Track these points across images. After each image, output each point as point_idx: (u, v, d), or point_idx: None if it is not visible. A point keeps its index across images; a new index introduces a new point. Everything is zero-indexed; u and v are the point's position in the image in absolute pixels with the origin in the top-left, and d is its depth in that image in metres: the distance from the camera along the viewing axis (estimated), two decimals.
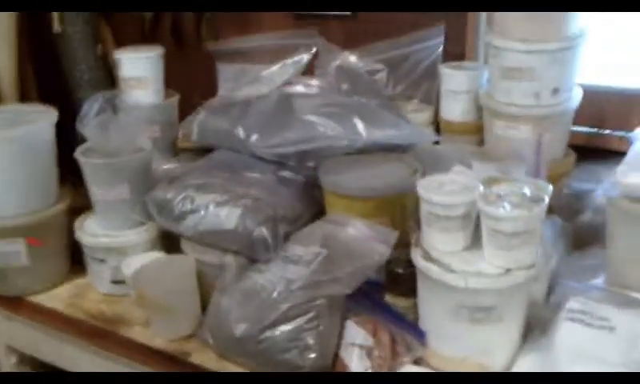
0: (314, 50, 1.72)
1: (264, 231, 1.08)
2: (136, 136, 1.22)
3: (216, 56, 1.90)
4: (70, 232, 1.30)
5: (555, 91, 1.28)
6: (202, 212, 1.14)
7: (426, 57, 1.49)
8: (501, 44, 1.27)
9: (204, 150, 1.48)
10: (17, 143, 1.18)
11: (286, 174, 1.19)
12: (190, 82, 1.65)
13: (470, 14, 1.48)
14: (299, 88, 1.61)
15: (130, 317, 1.20)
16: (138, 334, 1.17)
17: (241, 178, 1.20)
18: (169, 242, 1.26)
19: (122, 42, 2.12)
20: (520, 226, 0.90)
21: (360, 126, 1.19)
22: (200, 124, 1.37)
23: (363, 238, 1.03)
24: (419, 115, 1.48)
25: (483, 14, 1.48)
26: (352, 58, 1.56)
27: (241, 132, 1.22)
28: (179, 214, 1.17)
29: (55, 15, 1.94)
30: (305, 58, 1.74)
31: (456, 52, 1.51)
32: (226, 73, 1.91)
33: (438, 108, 1.51)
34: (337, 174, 1.11)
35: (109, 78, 2.11)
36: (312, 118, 1.18)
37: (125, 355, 1.15)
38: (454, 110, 1.45)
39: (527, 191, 0.94)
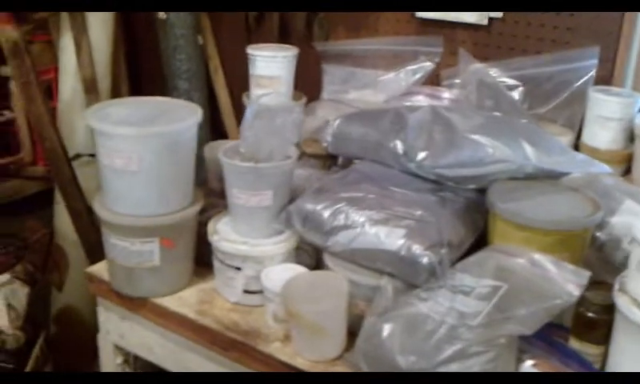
0: (438, 59, 1.66)
1: (431, 257, 1.01)
2: (285, 141, 1.14)
3: (324, 56, 1.83)
4: (199, 234, 1.24)
5: None
6: (358, 229, 1.07)
7: (575, 79, 1.41)
8: None
9: (331, 157, 1.42)
10: (166, 140, 1.11)
11: (447, 194, 1.11)
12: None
13: (624, 35, 1.40)
14: (429, 100, 1.54)
15: (267, 331, 1.14)
16: (277, 350, 1.10)
17: (395, 195, 1.12)
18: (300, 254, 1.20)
19: (222, 35, 2.07)
20: None
21: (528, 149, 1.11)
22: (338, 133, 1.30)
23: (547, 274, 0.95)
24: (559, 140, 1.39)
25: (637, 36, 1.39)
26: (493, 72, 1.47)
27: (399, 147, 1.15)
28: (330, 229, 1.10)
29: None
30: (427, 66, 1.67)
31: (601, 75, 1.43)
32: (332, 74, 1.84)
33: (579, 133, 1.44)
34: (513, 202, 1.03)
35: (205, 70, 2.07)
36: (479, 138, 1.11)
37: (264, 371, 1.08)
38: (602, 137, 1.37)
39: None
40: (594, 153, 1.38)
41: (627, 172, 1.38)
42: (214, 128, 2.09)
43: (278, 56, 1.38)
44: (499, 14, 1.55)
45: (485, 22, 1.56)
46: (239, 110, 2.05)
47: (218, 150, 1.21)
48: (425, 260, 1.01)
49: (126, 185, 1.13)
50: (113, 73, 2.03)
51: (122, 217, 1.15)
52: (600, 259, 1.09)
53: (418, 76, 1.67)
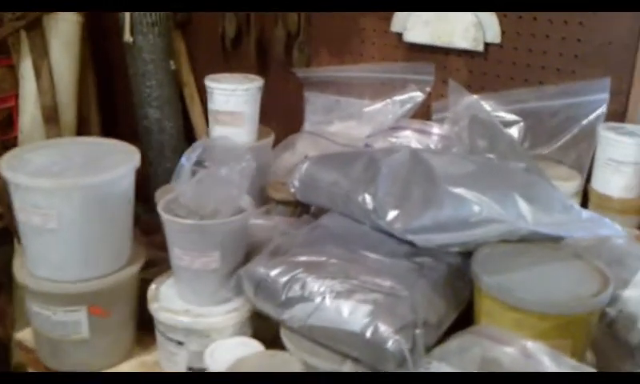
0: (429, 88, 1.48)
1: (401, 342, 0.82)
2: (237, 192, 0.96)
3: (306, 83, 1.66)
4: (141, 298, 1.06)
5: None
6: (317, 301, 0.89)
7: (583, 114, 1.22)
8: None
9: (301, 205, 1.24)
10: (91, 193, 0.94)
11: (425, 260, 0.92)
12: (271, 110, 1.41)
13: (639, 65, 1.21)
14: (417, 136, 1.36)
15: None
16: None
17: (364, 259, 0.94)
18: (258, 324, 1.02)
19: (198, 59, 1.91)
20: None
21: (523, 207, 0.92)
22: (305, 178, 1.12)
23: (542, 370, 0.76)
24: (564, 185, 1.20)
25: None
26: (489, 106, 1.29)
27: (368, 201, 0.97)
28: (285, 300, 0.91)
29: (127, 22, 1.72)
30: (416, 96, 1.49)
31: (612, 109, 1.24)
32: (315, 103, 1.67)
33: (588, 177, 1.24)
34: (502, 274, 0.84)
35: (179, 97, 1.90)
36: (463, 192, 0.92)
37: None
38: (615, 183, 1.18)
39: None
40: (606, 201, 1.19)
41: None
42: None
43: (238, 89, 1.20)
44: (497, 39, 1.36)
45: (480, 47, 1.38)
46: None
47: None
48: (393, 345, 0.82)
49: (45, 245, 0.95)
50: (79, 101, 1.87)
51: (41, 281, 0.98)
52: (610, 339, 0.90)
53: (406, 107, 1.49)
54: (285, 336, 0.94)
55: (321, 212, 1.18)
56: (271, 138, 1.31)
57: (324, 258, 0.94)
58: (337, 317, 0.87)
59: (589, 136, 1.22)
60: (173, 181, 0.97)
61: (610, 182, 1.18)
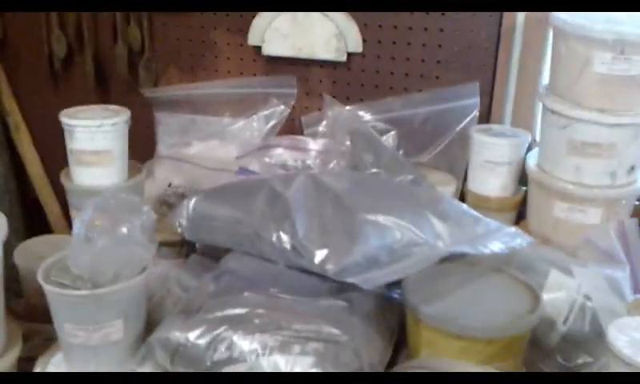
0: (292, 101, 1.43)
1: None
2: (141, 250, 0.84)
3: (155, 104, 1.53)
4: None
5: (631, 169, 1.10)
6: (249, 361, 0.81)
7: (455, 120, 1.26)
8: (576, 114, 1.06)
9: (187, 244, 1.14)
10: None
11: (351, 295, 0.88)
12: None
13: (501, 69, 1.27)
14: (291, 153, 1.31)
15: None
16: None
17: (289, 304, 0.87)
18: None
19: (19, 83, 1.68)
20: None
21: (439, 226, 0.92)
22: (195, 217, 1.03)
23: None
24: (444, 190, 1.23)
25: (514, 68, 1.27)
26: (365, 117, 1.28)
27: (285, 240, 0.90)
28: (211, 365, 0.82)
29: None
30: (280, 111, 1.44)
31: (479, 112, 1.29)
32: (168, 125, 1.55)
33: (463, 180, 1.29)
34: (437, 302, 0.83)
35: (3, 129, 1.67)
36: (381, 218, 0.89)
37: None
38: (492, 183, 1.23)
39: None
40: (483, 201, 1.23)
41: (518, 219, 1.25)
42: (23, 203, 1.69)
43: (104, 125, 1.06)
44: (359, 48, 1.36)
45: (343, 58, 1.36)
46: (54, 174, 1.68)
47: (34, 255, 0.88)
48: None
49: None
50: None
51: None
52: (530, 344, 0.93)
53: (272, 123, 1.43)
54: None
55: (209, 248, 1.09)
56: (142, 175, 1.18)
57: (246, 310, 0.86)
58: None
59: (462, 140, 1.25)
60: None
61: (487, 183, 1.23)
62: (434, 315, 0.81)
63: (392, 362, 0.88)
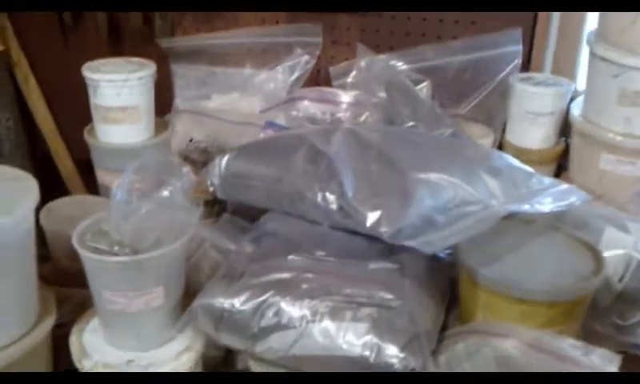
0: (318, 51, 1.36)
1: (409, 360, 0.74)
2: (183, 214, 0.80)
3: (172, 55, 1.46)
4: (56, 357, 0.87)
5: None
6: (299, 328, 0.77)
7: (495, 70, 1.19)
8: (629, 62, 1.00)
9: (219, 203, 1.09)
10: None
11: (402, 257, 0.84)
12: None
13: (541, 16, 1.20)
14: (320, 106, 1.25)
15: None
16: None
17: (337, 267, 0.83)
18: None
19: (28, 37, 1.60)
20: None
21: (491, 183, 0.87)
22: (228, 176, 0.98)
23: (570, 367, 0.72)
24: (480, 143, 1.18)
25: (555, 16, 1.20)
26: (400, 66, 1.21)
27: (331, 200, 0.85)
28: (258, 331, 0.79)
29: None
30: (305, 61, 1.37)
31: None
32: (186, 77, 1.48)
33: (501, 131, 1.23)
34: (496, 263, 0.79)
35: (11, 81, 1.60)
36: (434, 177, 0.84)
37: None
38: (533, 135, 1.18)
39: None
40: (524, 153, 1.18)
41: (559, 171, 1.20)
42: (33, 156, 1.63)
43: (131, 79, 1.00)
44: None
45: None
46: (66, 127, 1.62)
47: (61, 217, 0.83)
48: (401, 365, 0.73)
49: None
50: None
51: None
52: None
53: (297, 74, 1.37)
54: (255, 366, 0.82)
55: (242, 208, 1.05)
56: (170, 130, 1.12)
57: (292, 274, 0.82)
58: (328, 343, 0.76)
59: (502, 90, 1.19)
60: None
61: (528, 134, 1.18)
62: (494, 278, 0.77)
63: (443, 325, 0.85)
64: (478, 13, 1.24)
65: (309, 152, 0.92)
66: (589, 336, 0.88)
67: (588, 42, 1.08)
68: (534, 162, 1.18)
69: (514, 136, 1.20)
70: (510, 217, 0.87)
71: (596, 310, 0.90)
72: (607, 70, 1.04)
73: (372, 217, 0.81)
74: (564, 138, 1.20)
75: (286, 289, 0.80)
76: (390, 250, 0.84)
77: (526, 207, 0.84)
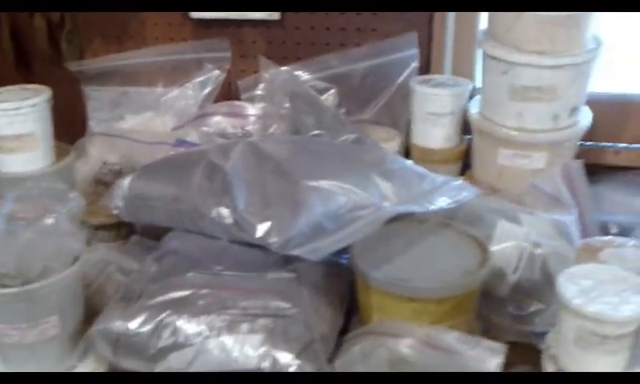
0: (227, 65, 1.37)
1: (304, 366, 0.75)
2: (70, 240, 0.79)
3: (83, 78, 1.45)
4: None
5: (573, 111, 1.09)
6: (196, 345, 0.78)
7: (395, 73, 1.22)
8: (515, 58, 1.04)
9: (127, 226, 1.08)
10: None
11: (298, 265, 0.85)
12: None
13: (437, 18, 1.24)
14: (230, 120, 1.26)
15: None
16: None
17: (234, 281, 0.84)
18: None
19: None
20: None
21: (384, 186, 0.89)
22: (131, 197, 0.98)
23: (458, 360, 0.74)
24: (387, 146, 1.20)
25: (450, 17, 1.24)
26: (303, 76, 1.23)
27: (225, 215, 0.86)
28: (157, 352, 0.79)
29: None
30: (215, 76, 1.37)
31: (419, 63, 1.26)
32: (98, 99, 1.46)
33: (407, 134, 1.26)
34: (386, 265, 0.81)
35: None
36: (325, 184, 0.86)
37: None
38: (435, 135, 1.21)
39: None
40: (428, 154, 1.21)
41: (464, 169, 1.24)
42: None
43: (24, 106, 0.99)
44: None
45: (276, 16, 1.31)
46: None
47: None
48: (298, 368, 0.75)
49: None
50: None
51: None
52: (480, 296, 0.92)
53: (208, 89, 1.37)
54: None
55: (149, 229, 1.05)
56: (72, 156, 1.11)
57: (189, 292, 0.82)
58: (225, 357, 0.77)
59: (403, 93, 1.22)
60: None
61: (431, 135, 1.21)
62: (383, 279, 0.79)
63: (344, 328, 0.86)
64: (379, 19, 1.27)
65: (206, 168, 0.93)
66: (488, 328, 0.91)
67: (478, 42, 1.12)
68: (439, 161, 1.22)
69: (418, 138, 1.23)
70: (404, 217, 0.90)
71: (493, 302, 0.93)
72: (497, 68, 1.07)
73: (262, 228, 0.82)
74: (468, 137, 1.23)
75: (182, 307, 0.80)
76: (287, 259, 0.85)
77: (417, 207, 0.86)
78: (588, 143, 1.27)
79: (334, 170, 0.89)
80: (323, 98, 1.26)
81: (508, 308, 0.92)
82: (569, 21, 1.01)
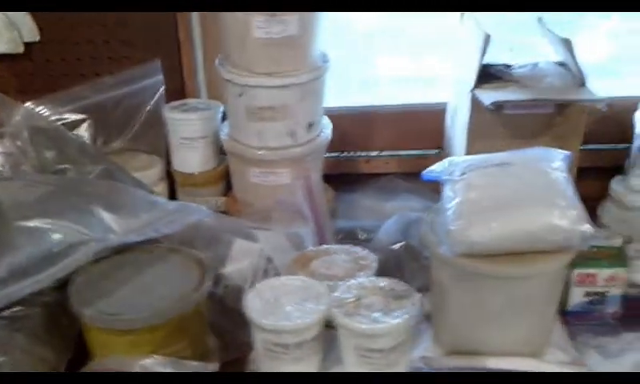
0: None
1: None
2: None
3: None
4: None
5: (310, 126, 1.14)
6: None
7: (145, 100, 1.22)
8: (247, 81, 1.08)
9: None
10: None
11: (14, 310, 0.81)
12: None
13: (184, 44, 1.25)
14: None
15: None
16: None
17: None
18: None
19: None
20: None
21: (108, 217, 0.88)
22: None
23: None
24: (148, 173, 1.20)
25: (197, 40, 1.26)
26: (46, 111, 1.19)
27: None
28: None
29: None
30: None
31: (173, 88, 1.26)
32: None
33: (168, 159, 1.26)
34: (102, 301, 0.79)
35: None
36: (37, 223, 0.83)
37: None
38: (192, 159, 1.22)
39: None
40: (189, 178, 1.23)
41: (228, 189, 1.25)
42: None
43: None
44: (36, 37, 1.26)
45: (21, 49, 1.26)
46: None
47: None
48: None
49: None
50: None
51: None
52: (224, 315, 0.93)
53: None
54: None
55: None
56: None
57: None
58: None
59: (157, 120, 1.22)
60: None
61: (188, 160, 1.22)
62: (96, 316, 0.78)
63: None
64: (130, 48, 1.26)
65: None
66: (232, 343, 0.92)
67: (216, 66, 1.14)
68: (201, 184, 1.23)
69: (177, 163, 1.23)
70: (133, 248, 0.89)
71: (234, 318, 0.94)
72: (233, 90, 1.10)
73: None
74: (225, 157, 1.25)
75: None
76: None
77: (137, 236, 0.86)
78: (342, 154, 1.35)
79: (53, 206, 0.87)
80: (79, 129, 1.24)
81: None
82: (292, 42, 1.05)
